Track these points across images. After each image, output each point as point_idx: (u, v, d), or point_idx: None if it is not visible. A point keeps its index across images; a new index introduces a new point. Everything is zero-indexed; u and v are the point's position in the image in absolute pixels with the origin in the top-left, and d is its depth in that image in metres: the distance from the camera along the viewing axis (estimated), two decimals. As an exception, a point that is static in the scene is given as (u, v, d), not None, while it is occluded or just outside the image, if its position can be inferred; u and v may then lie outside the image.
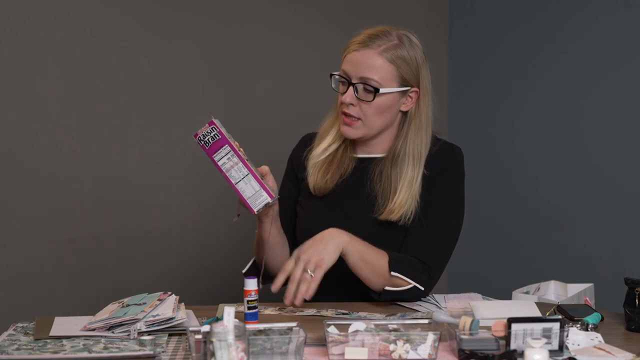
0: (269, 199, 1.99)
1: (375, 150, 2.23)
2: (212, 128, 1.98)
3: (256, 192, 1.99)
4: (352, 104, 2.14)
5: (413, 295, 2.10)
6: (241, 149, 2.00)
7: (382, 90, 2.12)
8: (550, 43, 3.56)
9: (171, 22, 2.99)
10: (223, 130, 1.98)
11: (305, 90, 3.30)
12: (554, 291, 2.44)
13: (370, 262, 2.08)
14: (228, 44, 3.13)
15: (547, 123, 3.57)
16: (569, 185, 3.52)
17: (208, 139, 1.98)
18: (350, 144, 2.25)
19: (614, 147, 3.39)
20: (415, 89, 2.17)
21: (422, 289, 2.09)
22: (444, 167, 2.20)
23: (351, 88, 2.13)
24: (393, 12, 3.59)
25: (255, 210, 1.99)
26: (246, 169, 1.98)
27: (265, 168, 2.09)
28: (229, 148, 1.98)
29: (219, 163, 1.98)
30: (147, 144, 2.97)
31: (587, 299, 2.23)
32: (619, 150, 3.38)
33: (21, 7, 2.67)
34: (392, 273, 2.07)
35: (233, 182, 1.98)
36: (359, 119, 2.15)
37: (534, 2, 3.60)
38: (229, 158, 1.98)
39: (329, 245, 2.02)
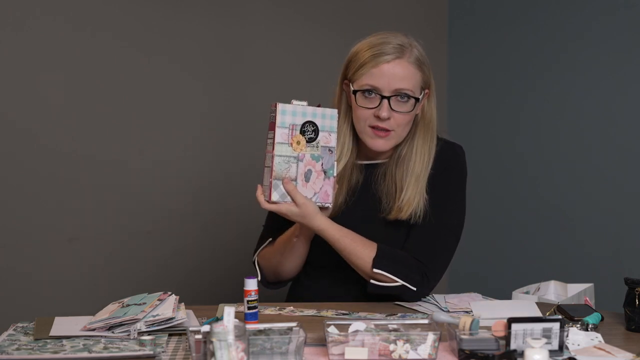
0: (267, 199, 2.01)
1: (380, 157, 2.22)
2: (274, 110, 1.99)
3: (265, 186, 2.02)
4: (388, 118, 2.11)
5: (405, 294, 2.09)
6: (299, 145, 2.00)
7: (420, 99, 2.12)
8: (550, 43, 3.56)
9: (171, 22, 2.99)
10: (284, 118, 1.97)
11: (305, 90, 3.30)
12: (554, 291, 2.44)
13: (348, 253, 2.09)
14: (228, 44, 3.13)
15: (547, 123, 3.57)
16: (569, 185, 3.52)
17: (271, 115, 2.00)
18: (358, 153, 2.22)
19: (614, 147, 3.39)
20: (426, 90, 2.17)
21: (414, 289, 2.09)
22: (446, 166, 2.19)
23: (385, 101, 2.09)
24: (393, 12, 3.59)
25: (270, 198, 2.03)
26: (270, 163, 2.00)
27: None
28: (272, 135, 1.99)
29: (267, 140, 2.01)
30: (147, 144, 2.97)
31: (587, 299, 2.23)
32: (619, 150, 3.38)
33: (21, 7, 2.67)
34: (374, 270, 2.07)
35: (265, 163, 2.02)
36: (391, 130, 2.12)
37: (534, 2, 3.60)
38: (269, 143, 2.00)
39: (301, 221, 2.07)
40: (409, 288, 2.08)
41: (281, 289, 2.35)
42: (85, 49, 2.80)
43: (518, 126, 3.67)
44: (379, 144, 2.13)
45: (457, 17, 3.84)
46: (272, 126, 1.99)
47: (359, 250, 2.09)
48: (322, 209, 2.07)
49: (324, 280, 2.22)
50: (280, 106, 1.98)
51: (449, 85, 3.84)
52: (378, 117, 2.10)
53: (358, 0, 3.50)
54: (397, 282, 2.07)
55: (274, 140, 1.98)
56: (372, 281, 2.09)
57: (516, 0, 3.67)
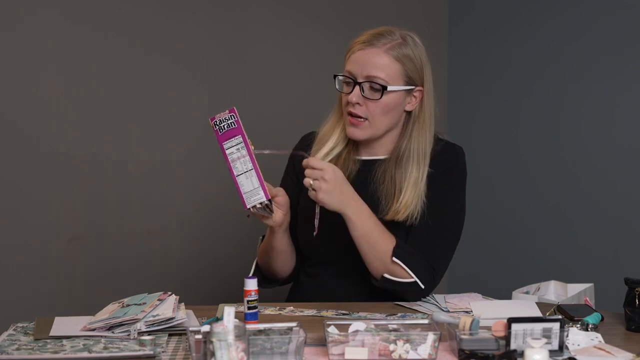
0: (264, 199, 2.00)
1: (379, 152, 2.22)
2: (231, 115, 1.97)
3: (254, 188, 2.00)
4: (358, 104, 2.13)
5: (412, 292, 2.10)
6: (252, 146, 1.99)
7: (389, 88, 2.11)
8: (550, 43, 3.56)
9: (172, 23, 2.99)
10: (241, 121, 1.98)
11: (305, 90, 3.30)
12: (554, 291, 2.44)
13: (373, 242, 2.08)
14: (228, 44, 3.13)
15: (547, 123, 3.57)
16: (569, 185, 3.52)
17: (224, 125, 1.98)
18: (354, 146, 2.24)
19: (614, 147, 3.39)
20: (419, 88, 2.17)
21: (423, 287, 2.09)
22: (446, 167, 2.19)
23: (357, 87, 2.12)
24: (393, 12, 3.59)
25: (248, 205, 2.01)
26: (251, 164, 1.98)
27: (279, 190, 2.08)
28: (241, 139, 1.97)
29: (227, 152, 1.98)
30: (147, 144, 2.97)
31: (587, 299, 2.23)
32: (619, 150, 3.38)
33: (20, 5, 2.67)
34: (393, 258, 2.07)
35: (235, 173, 1.99)
36: (365, 119, 2.14)
37: (534, 2, 3.61)
38: (238, 149, 1.98)
39: (338, 202, 2.04)
40: (419, 285, 2.09)
41: (281, 290, 2.35)
42: (85, 49, 2.80)
43: (518, 126, 3.67)
44: (353, 132, 2.16)
45: (457, 17, 3.84)
46: (235, 132, 1.97)
47: (382, 235, 2.09)
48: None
49: (324, 276, 2.22)
50: (235, 110, 1.98)
51: (449, 85, 3.84)
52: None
53: (358, 1, 3.50)
54: (410, 278, 2.08)
55: (246, 144, 1.97)
56: (385, 275, 2.09)
57: (516, 0, 3.67)
